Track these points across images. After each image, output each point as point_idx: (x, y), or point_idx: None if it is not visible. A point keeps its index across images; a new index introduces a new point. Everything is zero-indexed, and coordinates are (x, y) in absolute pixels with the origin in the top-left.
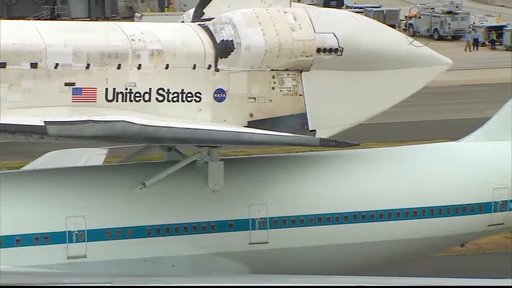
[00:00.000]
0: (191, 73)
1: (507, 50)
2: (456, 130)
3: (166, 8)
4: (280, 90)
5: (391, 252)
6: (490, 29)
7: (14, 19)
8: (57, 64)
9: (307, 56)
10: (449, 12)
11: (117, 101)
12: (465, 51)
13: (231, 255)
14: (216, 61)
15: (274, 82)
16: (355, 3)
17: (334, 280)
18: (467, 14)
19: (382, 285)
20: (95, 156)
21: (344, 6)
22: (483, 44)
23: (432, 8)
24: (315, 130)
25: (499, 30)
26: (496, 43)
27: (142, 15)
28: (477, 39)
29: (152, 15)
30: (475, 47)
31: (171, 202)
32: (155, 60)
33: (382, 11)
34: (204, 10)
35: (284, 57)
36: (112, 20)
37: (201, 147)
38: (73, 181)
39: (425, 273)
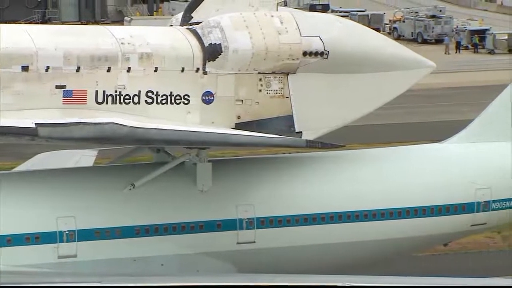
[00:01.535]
0: (180, 76)
1: (489, 53)
2: (439, 132)
3: (155, 12)
4: (267, 93)
5: (376, 251)
6: (473, 32)
7: (5, 23)
8: (48, 67)
9: (293, 59)
10: (433, 16)
11: (107, 103)
12: (445, 54)
13: (219, 254)
14: (204, 64)
15: (261, 85)
16: (341, 7)
17: (320, 279)
18: (450, 18)
19: (368, 284)
20: (85, 157)
21: (330, 10)
22: (466, 48)
23: (416, 12)
24: (301, 132)
25: (481, 34)
26: (479, 47)
27: (132, 19)
28: (460, 42)
29: (141, 19)
30: (458, 50)
31: (160, 202)
32: (144, 63)
33: (367, 15)
34: (192, 14)
35: (271, 60)
36: (102, 23)
37: (189, 149)
38: (63, 182)
39: (409, 272)
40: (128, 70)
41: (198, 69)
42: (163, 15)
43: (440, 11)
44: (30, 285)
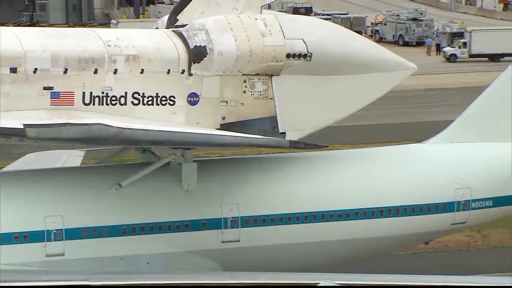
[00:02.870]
0: (166, 77)
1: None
2: (420, 133)
3: (141, 15)
4: (251, 94)
5: (358, 250)
6: (453, 35)
7: None
8: (35, 69)
9: (277, 61)
10: (414, 19)
11: (94, 104)
12: (427, 55)
13: (204, 253)
14: (189, 66)
15: (246, 86)
16: (323, 10)
17: (303, 277)
18: (431, 20)
19: (351, 282)
20: (73, 157)
21: (313, 13)
22: None
23: (397, 15)
24: (285, 133)
25: (461, 36)
26: None
27: (118, 21)
28: (440, 44)
29: (127, 22)
30: (438, 53)
31: (146, 202)
32: (130, 65)
33: (349, 17)
34: (177, 17)
35: (255, 62)
36: (89, 26)
37: (175, 149)
38: (51, 182)
39: (392, 271)
40: (115, 71)
41: (183, 70)
42: (149, 18)
43: (421, 14)
44: (17, 285)
